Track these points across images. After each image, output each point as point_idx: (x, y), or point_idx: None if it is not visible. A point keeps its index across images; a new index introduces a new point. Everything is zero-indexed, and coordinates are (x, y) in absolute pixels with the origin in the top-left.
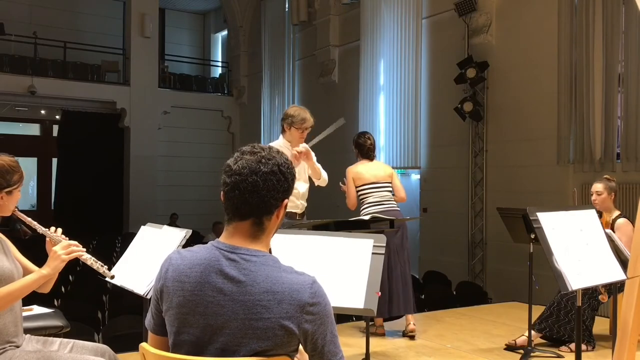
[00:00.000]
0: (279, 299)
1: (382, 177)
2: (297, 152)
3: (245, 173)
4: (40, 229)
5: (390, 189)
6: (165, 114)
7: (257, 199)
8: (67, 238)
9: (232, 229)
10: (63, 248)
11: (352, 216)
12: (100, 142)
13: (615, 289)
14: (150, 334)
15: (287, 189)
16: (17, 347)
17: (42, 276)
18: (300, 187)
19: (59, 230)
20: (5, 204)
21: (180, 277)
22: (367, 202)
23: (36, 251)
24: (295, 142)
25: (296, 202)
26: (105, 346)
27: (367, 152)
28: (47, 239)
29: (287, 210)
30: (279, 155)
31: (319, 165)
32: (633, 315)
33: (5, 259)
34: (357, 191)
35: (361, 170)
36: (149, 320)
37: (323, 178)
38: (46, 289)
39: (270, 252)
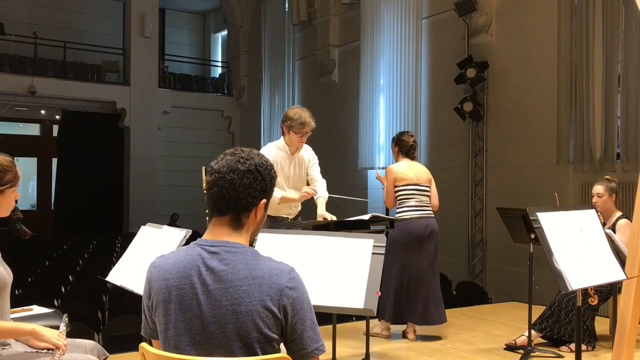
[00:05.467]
0: (258, 282)
1: (424, 180)
2: (306, 192)
3: (223, 171)
4: (64, 320)
5: (429, 194)
6: (165, 114)
7: (233, 195)
8: (64, 333)
9: (212, 225)
10: (58, 338)
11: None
12: (100, 142)
13: (615, 289)
14: (153, 342)
15: (264, 189)
16: (4, 348)
17: (28, 331)
18: (291, 194)
19: (66, 332)
20: None
21: (164, 275)
22: (408, 205)
23: (37, 251)
24: (294, 145)
25: (288, 208)
26: (94, 342)
27: (409, 149)
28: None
29: (279, 214)
30: (259, 156)
31: (322, 185)
32: (631, 315)
33: None
34: (397, 191)
35: (404, 169)
36: (144, 326)
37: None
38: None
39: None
